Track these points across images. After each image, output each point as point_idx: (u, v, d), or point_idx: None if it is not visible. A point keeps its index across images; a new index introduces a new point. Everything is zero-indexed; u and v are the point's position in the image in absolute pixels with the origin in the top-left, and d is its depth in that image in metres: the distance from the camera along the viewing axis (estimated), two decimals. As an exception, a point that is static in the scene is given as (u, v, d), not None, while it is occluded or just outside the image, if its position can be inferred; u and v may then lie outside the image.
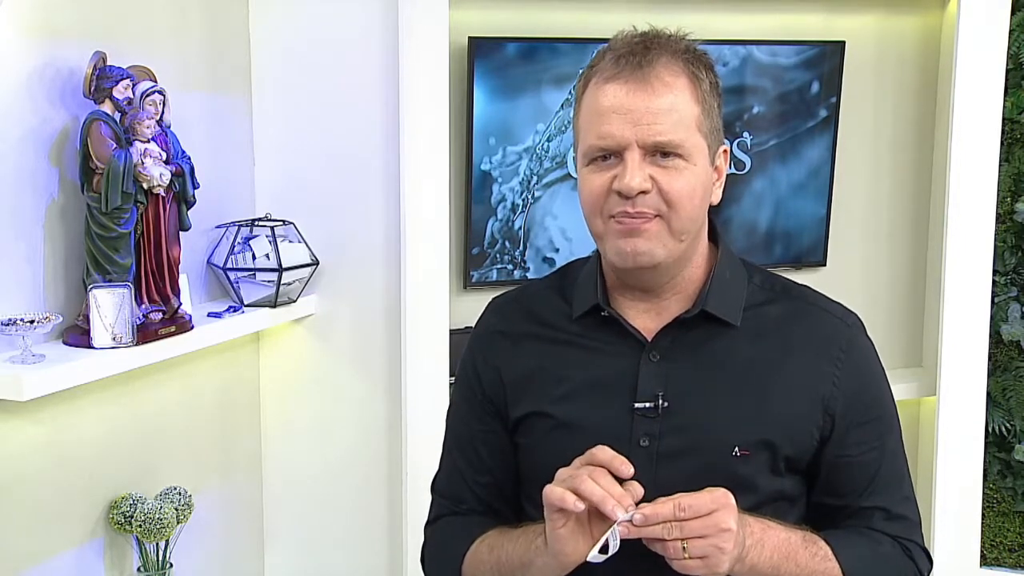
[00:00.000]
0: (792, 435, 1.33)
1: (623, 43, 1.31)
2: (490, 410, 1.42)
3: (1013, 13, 2.57)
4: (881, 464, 1.37)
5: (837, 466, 1.36)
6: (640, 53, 1.28)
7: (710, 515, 1.20)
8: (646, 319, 1.36)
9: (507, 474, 1.43)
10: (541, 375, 1.38)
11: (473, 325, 1.51)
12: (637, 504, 1.22)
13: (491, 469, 1.44)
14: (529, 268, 2.60)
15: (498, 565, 1.34)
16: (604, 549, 1.22)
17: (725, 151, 1.35)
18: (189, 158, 2.00)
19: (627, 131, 1.25)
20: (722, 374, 1.33)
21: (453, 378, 1.61)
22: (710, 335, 1.34)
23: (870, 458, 1.37)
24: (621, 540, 1.22)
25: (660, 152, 1.26)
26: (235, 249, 2.31)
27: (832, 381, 1.34)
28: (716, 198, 1.35)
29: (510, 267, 2.59)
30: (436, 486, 1.52)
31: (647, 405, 1.32)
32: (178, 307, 2.01)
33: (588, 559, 1.23)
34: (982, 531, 2.71)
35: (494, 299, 1.51)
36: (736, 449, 1.31)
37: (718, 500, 1.21)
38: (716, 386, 1.33)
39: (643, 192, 1.26)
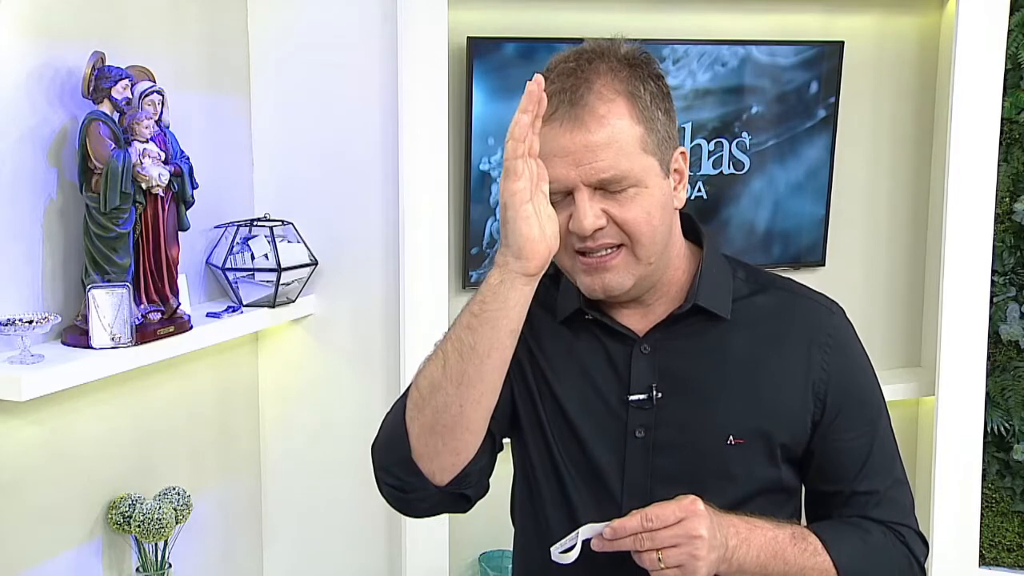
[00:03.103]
0: (786, 422, 1.34)
1: (557, 72, 1.28)
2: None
3: (1012, 13, 2.57)
4: (872, 448, 1.39)
5: (829, 452, 1.37)
6: (571, 89, 1.25)
7: (679, 524, 1.21)
8: (633, 320, 1.37)
9: (484, 441, 1.34)
10: (533, 370, 1.39)
11: None
12: (615, 517, 1.23)
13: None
14: (528, 268, 2.60)
15: (451, 340, 1.28)
16: (569, 550, 1.23)
17: (683, 153, 1.34)
18: (188, 158, 2.00)
19: (571, 173, 1.25)
20: (713, 364, 1.35)
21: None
22: (700, 328, 1.36)
23: (861, 443, 1.38)
24: (599, 553, 1.23)
25: (608, 186, 1.26)
26: (234, 249, 2.31)
27: (822, 367, 1.35)
28: (680, 202, 1.35)
29: (509, 267, 2.58)
30: None
31: (641, 397, 1.33)
32: (177, 307, 2.01)
33: (553, 559, 1.24)
34: (981, 531, 2.71)
35: None
36: (730, 438, 1.32)
37: (685, 508, 1.22)
38: (708, 376, 1.34)
39: (599, 229, 1.26)
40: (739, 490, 1.33)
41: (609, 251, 1.28)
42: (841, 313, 1.41)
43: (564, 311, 1.39)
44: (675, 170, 1.32)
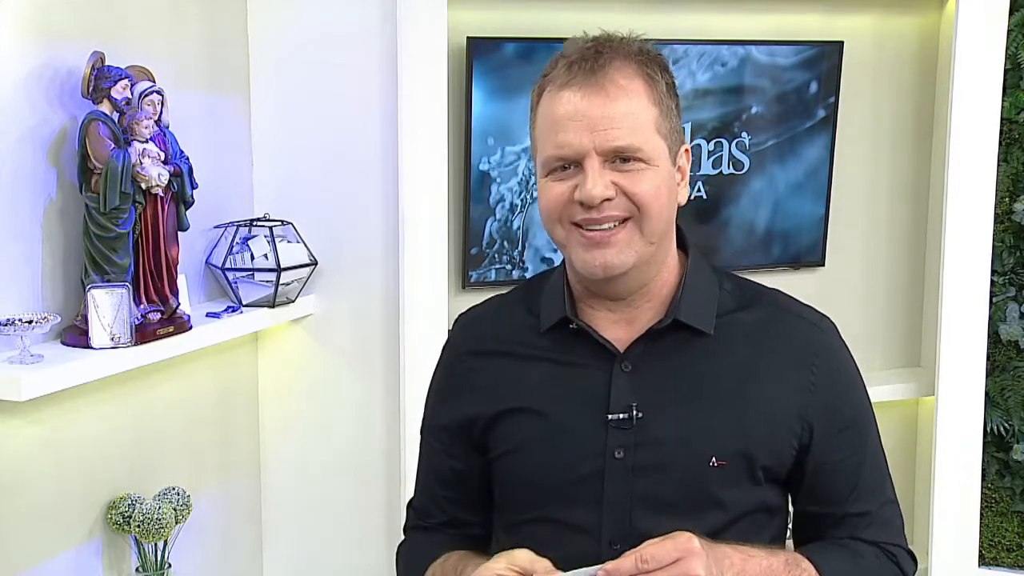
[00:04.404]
0: (769, 445, 1.30)
1: (575, 49, 1.28)
2: (460, 433, 1.41)
3: (1011, 13, 2.57)
4: (863, 469, 1.36)
5: (819, 474, 1.34)
6: (592, 58, 1.26)
7: (675, 564, 1.15)
8: (617, 329, 1.33)
9: (477, 493, 1.43)
10: (513, 392, 1.36)
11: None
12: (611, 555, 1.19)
13: (460, 487, 1.43)
14: (527, 268, 2.60)
15: None
16: None
17: (687, 150, 1.33)
18: (187, 158, 2.00)
19: (584, 138, 1.23)
20: (696, 384, 1.31)
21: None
22: (683, 344, 1.32)
23: (852, 464, 1.35)
24: None
25: (620, 157, 1.24)
26: (233, 249, 2.30)
27: (808, 388, 1.32)
28: (683, 198, 1.33)
29: (508, 267, 2.59)
30: (411, 501, 1.52)
31: (621, 416, 1.29)
32: (176, 307, 2.01)
33: None
34: (980, 531, 2.71)
35: (461, 316, 1.49)
36: (713, 460, 1.28)
37: (681, 547, 1.16)
38: (690, 396, 1.30)
39: (607, 200, 1.24)
40: (722, 513, 1.29)
41: (613, 225, 1.25)
42: (831, 329, 1.38)
43: (548, 320, 1.36)
44: (679, 167, 1.31)
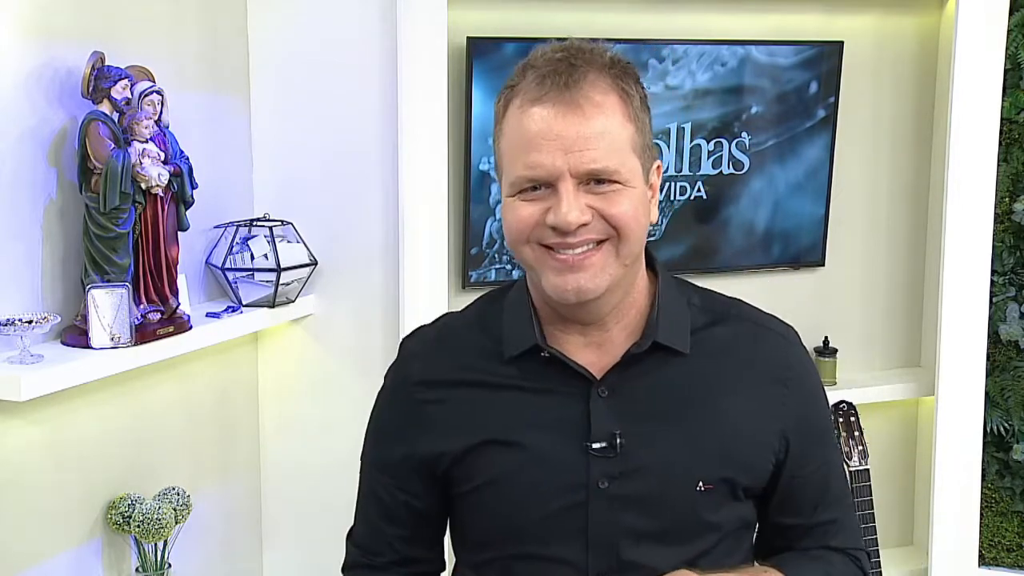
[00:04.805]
0: (752, 462, 1.29)
1: (544, 60, 1.20)
2: (419, 470, 1.33)
3: (1011, 13, 2.57)
4: (830, 478, 1.36)
5: (793, 486, 1.33)
6: (565, 72, 1.17)
7: None
8: (588, 353, 1.27)
9: (433, 530, 1.39)
10: (482, 424, 1.28)
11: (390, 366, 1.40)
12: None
13: (415, 524, 1.37)
14: (528, 268, 2.60)
15: None
16: None
17: (658, 166, 1.27)
18: (187, 158, 2.00)
19: (558, 159, 1.16)
20: (676, 406, 1.27)
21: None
22: (659, 365, 1.27)
23: (821, 474, 1.34)
24: None
25: (594, 179, 1.18)
26: (233, 249, 2.30)
27: (783, 402, 1.30)
28: (654, 217, 1.27)
29: (508, 267, 2.59)
30: (351, 534, 1.45)
31: (603, 445, 1.24)
32: (176, 307, 2.01)
33: None
34: (980, 531, 2.71)
35: (409, 339, 1.40)
36: (700, 484, 1.25)
37: None
38: (671, 419, 1.26)
39: (583, 225, 1.17)
40: (709, 535, 1.27)
41: (588, 247, 1.19)
42: (797, 340, 1.36)
43: (514, 348, 1.28)
44: (651, 184, 1.26)
